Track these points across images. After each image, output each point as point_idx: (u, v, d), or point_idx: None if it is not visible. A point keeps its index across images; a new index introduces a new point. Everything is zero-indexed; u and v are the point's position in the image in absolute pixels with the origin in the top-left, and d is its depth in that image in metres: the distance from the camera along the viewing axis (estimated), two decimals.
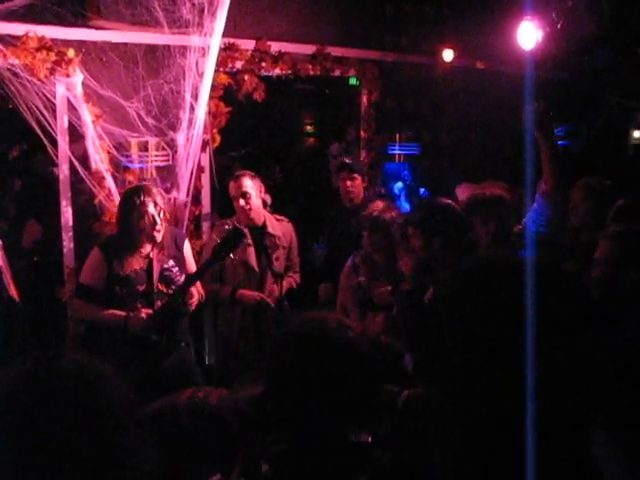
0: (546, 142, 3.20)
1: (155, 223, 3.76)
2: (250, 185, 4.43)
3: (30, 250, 5.29)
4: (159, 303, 3.81)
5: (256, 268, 4.45)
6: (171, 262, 3.95)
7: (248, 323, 4.48)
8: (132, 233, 3.78)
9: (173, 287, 3.91)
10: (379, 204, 4.22)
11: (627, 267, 2.39)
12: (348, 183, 5.03)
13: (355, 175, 5.03)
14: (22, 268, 4.93)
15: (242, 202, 4.39)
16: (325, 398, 1.53)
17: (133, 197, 3.76)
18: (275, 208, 5.04)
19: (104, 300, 3.79)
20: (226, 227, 4.04)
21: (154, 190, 3.86)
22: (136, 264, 3.84)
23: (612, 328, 2.07)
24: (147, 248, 3.88)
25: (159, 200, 3.82)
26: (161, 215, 3.80)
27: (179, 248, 4.07)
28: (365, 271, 4.15)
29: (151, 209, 3.75)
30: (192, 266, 4.17)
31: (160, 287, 3.88)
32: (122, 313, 3.71)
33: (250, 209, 4.42)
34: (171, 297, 3.78)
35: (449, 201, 3.59)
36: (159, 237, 3.83)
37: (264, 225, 4.53)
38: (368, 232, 4.08)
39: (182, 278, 3.91)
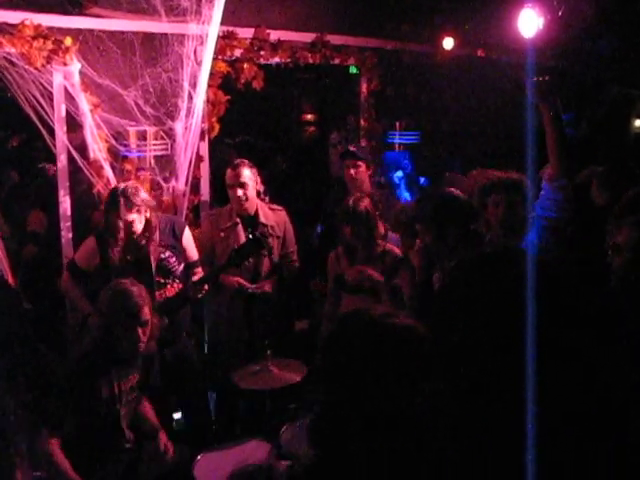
0: (551, 118, 3.11)
1: (134, 232, 3.85)
2: (248, 175, 4.41)
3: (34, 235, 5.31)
4: (157, 294, 3.82)
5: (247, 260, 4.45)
6: (168, 253, 3.95)
7: (238, 312, 4.47)
8: (115, 231, 3.86)
9: (171, 277, 3.92)
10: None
11: None
12: (352, 171, 5.00)
13: (359, 163, 5.01)
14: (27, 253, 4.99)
15: (239, 192, 4.38)
16: (386, 389, 1.51)
17: (119, 197, 3.82)
18: (275, 197, 5.03)
19: (93, 282, 3.88)
20: (250, 236, 4.11)
21: (138, 192, 3.89)
22: (129, 253, 3.90)
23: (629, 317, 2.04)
24: (142, 241, 3.92)
25: (140, 202, 3.86)
26: (141, 219, 3.86)
27: (177, 237, 4.08)
28: (346, 260, 4.21)
29: (129, 217, 3.81)
30: (193, 254, 4.18)
31: (158, 278, 3.89)
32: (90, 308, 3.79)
33: (246, 199, 4.40)
34: (179, 292, 3.90)
35: (455, 190, 3.56)
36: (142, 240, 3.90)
37: (256, 214, 4.51)
38: (347, 224, 4.13)
39: (180, 267, 3.92)
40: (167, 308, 3.82)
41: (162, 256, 3.95)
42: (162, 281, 3.92)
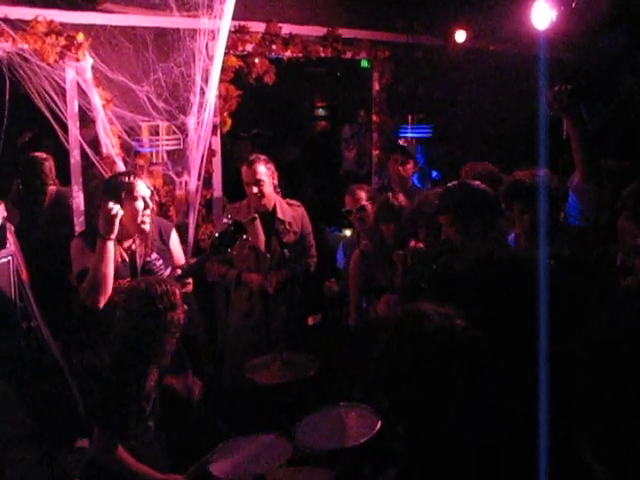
0: (575, 128, 3.02)
1: (146, 207, 3.61)
2: (264, 172, 4.38)
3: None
4: None
5: (266, 253, 4.45)
6: (154, 255, 3.79)
7: (255, 306, 4.48)
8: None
9: None
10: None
11: None
12: (400, 168, 4.98)
13: (409, 160, 5.00)
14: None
15: (255, 189, 4.36)
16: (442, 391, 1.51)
17: (121, 179, 3.60)
18: (288, 191, 5.02)
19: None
20: (225, 221, 3.89)
21: (143, 177, 3.74)
22: (118, 257, 3.62)
23: None
24: (129, 241, 3.70)
25: (148, 188, 3.69)
26: (150, 205, 3.64)
27: (165, 241, 3.91)
28: (379, 260, 4.09)
29: (142, 191, 3.60)
30: (180, 258, 4.04)
31: None
32: None
33: (263, 196, 4.39)
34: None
35: (478, 183, 3.49)
36: (147, 226, 3.66)
37: (274, 210, 4.51)
38: (387, 222, 4.03)
39: (167, 271, 3.80)
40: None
41: (148, 259, 3.75)
42: None
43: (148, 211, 3.63)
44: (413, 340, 1.56)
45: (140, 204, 3.58)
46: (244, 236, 3.67)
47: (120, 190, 3.54)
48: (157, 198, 4.09)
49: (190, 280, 3.68)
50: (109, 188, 3.60)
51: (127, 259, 3.68)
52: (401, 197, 4.09)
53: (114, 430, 2.96)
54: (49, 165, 5.20)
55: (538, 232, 3.38)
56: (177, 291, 3.07)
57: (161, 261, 3.80)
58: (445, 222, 3.37)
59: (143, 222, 3.61)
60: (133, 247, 3.71)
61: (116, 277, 3.54)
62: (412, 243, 3.92)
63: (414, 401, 1.53)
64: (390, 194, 4.12)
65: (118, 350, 3.02)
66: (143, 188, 3.61)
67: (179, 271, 3.80)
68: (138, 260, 3.69)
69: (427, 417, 1.53)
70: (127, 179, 3.58)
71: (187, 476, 3.08)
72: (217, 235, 3.70)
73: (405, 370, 1.55)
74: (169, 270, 3.81)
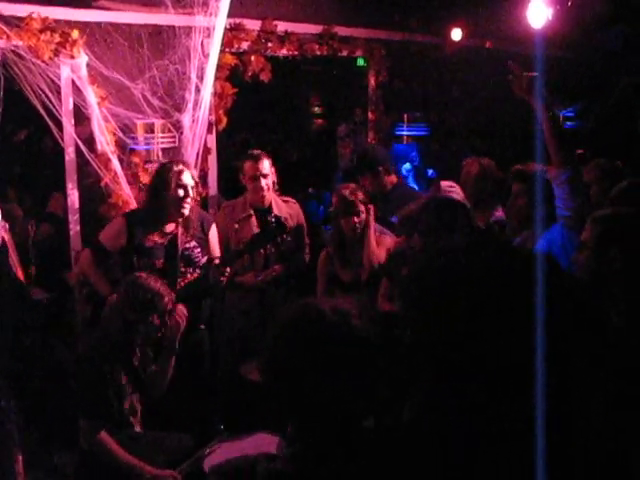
0: (542, 111, 3.09)
1: (187, 195, 3.89)
2: (268, 166, 4.40)
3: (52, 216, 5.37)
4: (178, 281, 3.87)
5: (261, 249, 4.43)
6: (193, 243, 4.02)
7: (251, 305, 4.47)
8: (162, 205, 3.89)
9: (192, 268, 3.95)
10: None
11: (609, 251, 2.36)
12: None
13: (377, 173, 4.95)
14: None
15: (263, 182, 4.35)
16: (327, 388, 1.51)
17: (171, 167, 3.91)
18: (285, 189, 4.99)
19: (116, 265, 3.92)
20: (269, 219, 4.19)
21: (191, 167, 4.06)
22: (158, 238, 3.93)
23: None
24: (172, 226, 3.98)
25: (194, 176, 4.00)
26: (193, 191, 3.93)
27: (205, 231, 4.15)
28: (337, 259, 4.17)
29: (186, 180, 3.89)
30: (215, 250, 4.20)
31: (180, 266, 3.94)
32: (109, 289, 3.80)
33: (268, 189, 4.40)
34: (200, 276, 3.94)
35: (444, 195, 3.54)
36: (187, 211, 3.93)
37: (270, 206, 4.50)
38: (345, 216, 4.06)
39: (203, 260, 4.01)
40: (186, 294, 3.81)
41: (187, 245, 3.99)
42: (183, 270, 3.95)
43: (189, 199, 3.91)
44: (302, 333, 1.56)
45: (181, 192, 3.87)
46: (284, 235, 3.98)
47: (170, 177, 3.86)
48: (200, 190, 4.33)
49: (228, 269, 3.92)
50: (161, 174, 3.92)
51: (165, 242, 3.95)
52: (359, 192, 4.09)
53: (95, 419, 3.08)
54: None
55: (533, 220, 3.43)
56: (166, 296, 3.31)
57: (199, 249, 4.06)
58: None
59: (183, 207, 3.90)
60: (175, 232, 3.98)
61: (150, 257, 3.87)
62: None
63: (299, 394, 1.54)
64: (347, 190, 4.10)
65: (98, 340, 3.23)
66: (188, 177, 3.92)
67: (217, 260, 4.01)
68: (179, 245, 3.96)
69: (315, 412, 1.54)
70: (176, 167, 3.90)
71: (180, 471, 3.09)
72: (258, 230, 4.03)
73: (291, 364, 1.55)
74: (205, 259, 4.03)
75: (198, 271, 4.03)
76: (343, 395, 1.52)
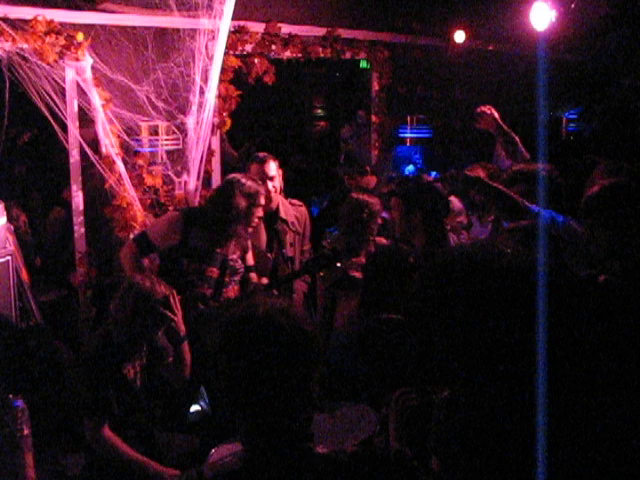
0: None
1: (252, 225, 3.90)
2: (275, 168, 4.39)
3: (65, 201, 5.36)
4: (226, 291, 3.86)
5: (268, 253, 4.43)
6: (238, 253, 4.00)
7: None
8: (227, 221, 3.80)
9: (235, 277, 3.95)
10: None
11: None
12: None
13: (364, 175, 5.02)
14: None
15: (270, 185, 4.33)
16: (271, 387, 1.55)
17: (252, 196, 3.83)
18: (289, 192, 5.00)
19: (164, 268, 3.82)
20: (326, 251, 4.05)
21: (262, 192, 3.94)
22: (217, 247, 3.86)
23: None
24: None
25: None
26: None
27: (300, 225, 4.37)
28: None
29: (258, 214, 3.90)
30: (251, 259, 4.19)
31: (224, 275, 3.90)
32: None
33: (275, 192, 4.38)
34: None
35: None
36: (247, 236, 3.94)
37: (277, 210, 4.49)
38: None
39: (242, 269, 4.00)
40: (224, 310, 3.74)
41: (233, 256, 3.94)
42: (227, 280, 3.92)
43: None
44: (239, 327, 1.59)
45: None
46: (338, 264, 3.91)
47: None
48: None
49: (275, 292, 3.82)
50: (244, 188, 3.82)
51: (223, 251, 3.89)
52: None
53: (97, 415, 3.07)
54: None
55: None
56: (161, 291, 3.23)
57: (240, 262, 4.00)
58: (393, 206, 3.79)
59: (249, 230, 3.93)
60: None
61: (203, 262, 3.78)
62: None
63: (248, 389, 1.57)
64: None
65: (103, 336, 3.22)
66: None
67: (265, 280, 4.04)
68: (229, 255, 3.91)
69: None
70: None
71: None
72: (312, 257, 4.00)
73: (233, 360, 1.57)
74: (243, 269, 4.00)
75: (237, 283, 4.01)
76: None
